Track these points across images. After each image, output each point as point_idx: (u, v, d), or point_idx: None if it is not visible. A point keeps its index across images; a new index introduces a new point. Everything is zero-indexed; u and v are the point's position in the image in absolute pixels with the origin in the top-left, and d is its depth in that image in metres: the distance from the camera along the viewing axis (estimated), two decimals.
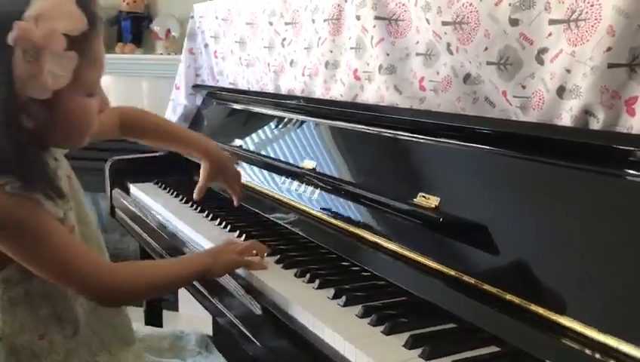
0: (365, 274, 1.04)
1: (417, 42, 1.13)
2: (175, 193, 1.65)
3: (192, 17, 2.03)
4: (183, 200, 1.58)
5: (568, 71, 0.84)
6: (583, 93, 0.83)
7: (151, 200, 1.62)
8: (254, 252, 1.09)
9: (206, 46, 1.97)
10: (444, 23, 1.03)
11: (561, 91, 0.86)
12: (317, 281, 1.00)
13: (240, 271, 1.08)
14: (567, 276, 0.77)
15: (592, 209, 0.79)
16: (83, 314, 0.95)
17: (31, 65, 0.78)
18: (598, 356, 0.68)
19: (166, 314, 2.00)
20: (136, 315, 1.23)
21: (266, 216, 1.34)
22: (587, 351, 0.70)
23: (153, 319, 1.92)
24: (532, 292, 0.79)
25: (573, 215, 0.80)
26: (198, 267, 1.02)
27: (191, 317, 2.65)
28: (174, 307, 2.86)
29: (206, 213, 1.44)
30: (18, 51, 0.77)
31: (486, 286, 0.84)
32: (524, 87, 0.92)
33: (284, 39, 1.55)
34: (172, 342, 1.17)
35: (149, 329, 1.20)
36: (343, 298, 0.93)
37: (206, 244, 1.24)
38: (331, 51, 1.35)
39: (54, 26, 0.78)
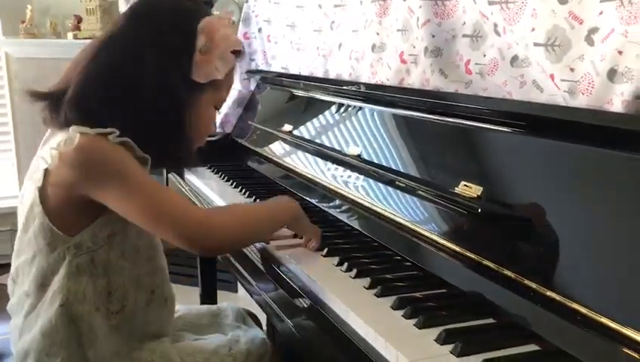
0: (407, 264, 1.02)
1: (464, 23, 1.09)
2: (226, 178, 1.67)
3: (247, 1, 2.04)
4: (234, 185, 1.60)
5: (620, 52, 0.78)
6: (635, 76, 0.77)
7: (203, 185, 1.65)
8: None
9: (260, 30, 1.97)
10: (491, 3, 0.98)
11: (612, 74, 0.80)
12: (354, 270, 0.99)
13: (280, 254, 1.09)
14: (613, 275, 0.73)
15: None
16: (134, 296, 0.98)
17: (202, 55, 0.94)
18: None
19: (225, 295, 2.05)
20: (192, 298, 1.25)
21: (313, 202, 1.33)
22: (633, 355, 0.65)
23: (208, 300, 1.96)
24: (574, 289, 0.74)
25: (625, 209, 0.75)
26: (285, 210, 1.08)
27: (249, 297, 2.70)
28: (233, 288, 2.91)
29: (254, 198, 1.45)
30: (199, 41, 0.94)
31: (526, 281, 0.80)
32: (572, 69, 0.86)
33: (332, 22, 1.53)
34: (211, 318, 1.19)
35: (187, 308, 1.22)
36: (379, 288, 0.91)
37: None
38: (378, 34, 1.32)
39: (229, 34, 0.98)
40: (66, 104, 0.91)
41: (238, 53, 1.01)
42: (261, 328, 1.18)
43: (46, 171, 0.89)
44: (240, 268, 1.17)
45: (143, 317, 1.00)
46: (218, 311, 1.23)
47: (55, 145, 0.89)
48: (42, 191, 0.89)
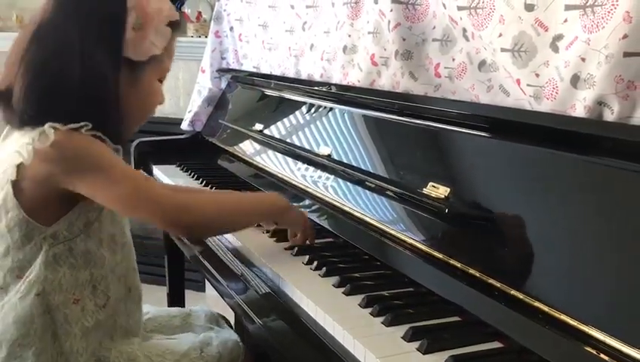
0: (376, 263, 1.03)
1: (434, 27, 1.11)
2: (196, 176, 1.66)
3: (219, 0, 2.03)
4: (203, 183, 1.60)
5: (583, 59, 0.81)
6: (597, 82, 0.79)
7: (172, 183, 1.64)
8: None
9: (231, 29, 1.97)
10: (460, 8, 1.00)
11: (575, 80, 0.83)
12: (324, 269, 1.00)
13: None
14: (574, 273, 0.75)
15: (604, 204, 0.76)
16: (115, 287, 0.98)
17: (136, 32, 0.93)
18: (604, 357, 0.66)
19: (193, 295, 2.03)
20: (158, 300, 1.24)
21: None
22: (592, 352, 0.67)
23: (176, 299, 1.95)
24: (536, 288, 0.76)
25: (585, 210, 0.78)
26: (272, 202, 1.10)
27: (217, 298, 2.69)
28: (201, 288, 2.90)
29: None
30: (131, 18, 0.92)
31: (491, 280, 0.82)
32: (537, 75, 0.89)
33: (304, 23, 1.53)
34: (182, 319, 1.18)
35: (157, 310, 1.21)
36: (347, 286, 0.93)
37: None
38: (349, 35, 1.33)
39: (162, 6, 0.96)
40: (18, 104, 0.91)
41: (175, 25, 0.99)
42: (234, 331, 1.18)
43: (20, 166, 0.89)
44: (209, 266, 1.16)
45: (118, 311, 0.99)
46: (190, 312, 1.22)
47: (29, 140, 0.89)
48: (16, 184, 0.90)
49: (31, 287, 0.91)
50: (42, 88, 0.91)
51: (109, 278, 0.97)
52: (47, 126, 0.88)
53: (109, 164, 0.91)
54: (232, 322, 1.31)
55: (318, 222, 1.20)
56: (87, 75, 0.90)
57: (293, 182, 1.34)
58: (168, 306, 1.94)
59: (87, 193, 0.91)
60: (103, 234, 0.96)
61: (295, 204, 1.28)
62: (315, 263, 1.02)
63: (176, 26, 1.00)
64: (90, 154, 0.90)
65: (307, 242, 1.11)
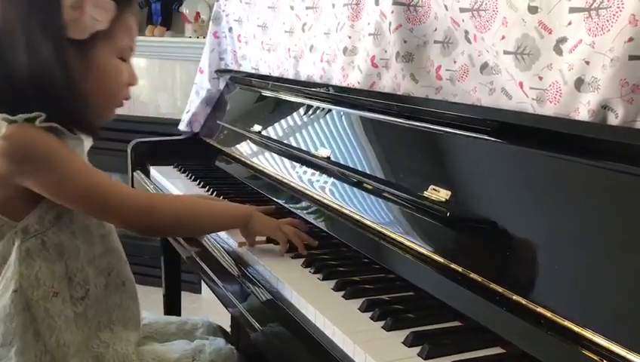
0: (375, 266, 1.02)
1: (435, 29, 1.10)
2: (193, 177, 1.65)
3: (217, 0, 2.02)
4: (200, 185, 1.58)
5: (587, 62, 0.80)
6: (601, 86, 0.78)
7: (169, 184, 1.63)
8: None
9: (230, 30, 1.96)
10: (462, 10, 0.99)
11: (579, 84, 0.82)
12: (323, 272, 0.98)
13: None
14: (577, 278, 0.74)
15: (607, 208, 0.75)
16: (94, 279, 0.96)
17: (75, 11, 0.88)
18: None
19: (189, 296, 2.01)
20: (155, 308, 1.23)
21: (280, 203, 1.33)
22: (595, 358, 0.67)
23: (172, 301, 1.94)
24: (539, 294, 0.76)
25: (588, 215, 0.77)
26: (241, 211, 1.09)
27: (213, 300, 2.68)
28: (197, 289, 2.88)
29: (221, 198, 1.43)
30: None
31: (493, 285, 0.81)
32: (541, 78, 0.88)
33: (304, 24, 1.53)
34: (178, 327, 1.17)
35: (155, 316, 1.20)
36: (347, 290, 0.92)
37: None
38: (350, 37, 1.32)
39: None
40: None
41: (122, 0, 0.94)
42: (230, 342, 1.16)
43: None
44: (206, 268, 1.15)
45: (104, 303, 0.98)
46: (187, 320, 1.21)
47: None
48: None
49: (8, 284, 0.90)
50: None
51: (86, 270, 0.95)
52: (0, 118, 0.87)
53: (62, 162, 0.89)
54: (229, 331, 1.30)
55: (316, 224, 1.19)
56: (34, 62, 0.88)
57: (292, 184, 1.33)
58: (164, 308, 1.93)
59: (42, 192, 0.89)
60: (75, 226, 0.94)
61: (292, 206, 1.27)
62: (314, 266, 1.01)
63: (124, 1, 0.95)
64: (42, 150, 0.88)
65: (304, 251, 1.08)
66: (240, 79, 1.89)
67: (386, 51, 1.22)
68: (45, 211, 0.91)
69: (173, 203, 1.07)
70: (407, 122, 1.10)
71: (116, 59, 0.97)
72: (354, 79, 1.32)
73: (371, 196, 1.10)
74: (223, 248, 1.15)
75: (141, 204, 0.97)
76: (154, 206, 0.98)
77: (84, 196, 0.91)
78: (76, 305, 0.94)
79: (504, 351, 0.77)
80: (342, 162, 1.21)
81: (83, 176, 0.91)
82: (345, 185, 1.18)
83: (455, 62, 1.06)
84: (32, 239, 0.91)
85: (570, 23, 0.83)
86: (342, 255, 1.08)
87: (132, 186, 1.85)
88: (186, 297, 2.08)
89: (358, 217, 1.08)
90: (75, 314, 0.94)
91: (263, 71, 1.79)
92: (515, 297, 0.77)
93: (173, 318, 1.21)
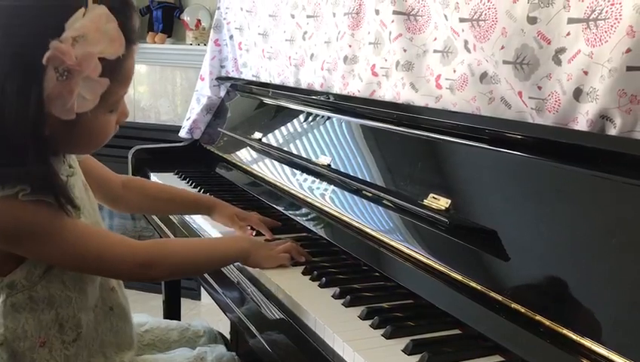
0: (375, 274, 1.03)
1: (435, 39, 1.11)
2: (194, 184, 1.66)
3: (219, 8, 2.03)
4: (201, 191, 1.59)
5: (585, 73, 0.81)
6: (600, 96, 0.79)
7: None
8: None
9: (231, 37, 1.97)
10: (462, 20, 1.00)
11: (577, 94, 0.83)
12: (322, 280, 0.99)
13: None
14: (576, 287, 0.75)
15: (606, 217, 0.76)
16: (87, 321, 0.93)
17: (62, 84, 0.75)
18: None
19: (188, 303, 2.02)
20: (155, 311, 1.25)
21: (280, 209, 1.33)
22: None
23: (172, 307, 1.94)
24: (538, 302, 0.76)
25: (588, 224, 0.77)
26: (237, 249, 1.05)
27: (213, 306, 2.68)
28: (197, 296, 2.88)
29: None
30: (50, 70, 0.75)
31: (492, 293, 0.81)
32: (540, 88, 0.89)
33: (305, 32, 1.54)
34: (180, 333, 1.17)
35: (156, 321, 1.20)
36: (347, 298, 0.92)
37: (218, 236, 1.25)
38: (350, 46, 1.33)
39: (92, 49, 0.76)
40: None
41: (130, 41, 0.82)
42: (230, 349, 1.16)
43: None
44: (206, 275, 1.15)
45: (95, 333, 0.95)
46: (188, 327, 1.20)
47: None
48: None
49: None
50: None
51: (77, 315, 0.91)
52: None
53: (47, 238, 0.83)
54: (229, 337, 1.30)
55: (316, 231, 1.19)
56: (11, 134, 0.78)
57: (292, 191, 1.34)
58: (164, 314, 1.93)
59: (32, 259, 0.86)
60: (65, 276, 0.89)
61: (292, 213, 1.27)
62: (314, 274, 1.02)
63: (131, 44, 0.83)
64: (22, 230, 0.82)
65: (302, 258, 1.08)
66: (241, 87, 1.90)
67: (386, 60, 1.23)
68: (34, 266, 0.87)
69: (172, 256, 0.98)
70: (407, 130, 1.11)
71: (106, 114, 0.87)
72: (354, 87, 1.33)
73: (371, 204, 1.10)
74: None
75: (137, 261, 0.91)
76: (151, 263, 0.92)
77: (75, 263, 0.87)
78: (68, 348, 0.90)
79: (503, 359, 0.78)
80: (342, 170, 1.22)
81: (72, 245, 0.85)
82: (345, 192, 1.18)
83: (455, 71, 1.06)
84: (19, 294, 0.86)
85: (568, 34, 0.84)
86: (342, 262, 1.09)
87: None
88: (186, 303, 2.08)
89: (358, 225, 1.09)
90: (66, 357, 0.90)
91: (264, 78, 1.80)
92: (514, 305, 0.78)
93: (174, 323, 1.21)
